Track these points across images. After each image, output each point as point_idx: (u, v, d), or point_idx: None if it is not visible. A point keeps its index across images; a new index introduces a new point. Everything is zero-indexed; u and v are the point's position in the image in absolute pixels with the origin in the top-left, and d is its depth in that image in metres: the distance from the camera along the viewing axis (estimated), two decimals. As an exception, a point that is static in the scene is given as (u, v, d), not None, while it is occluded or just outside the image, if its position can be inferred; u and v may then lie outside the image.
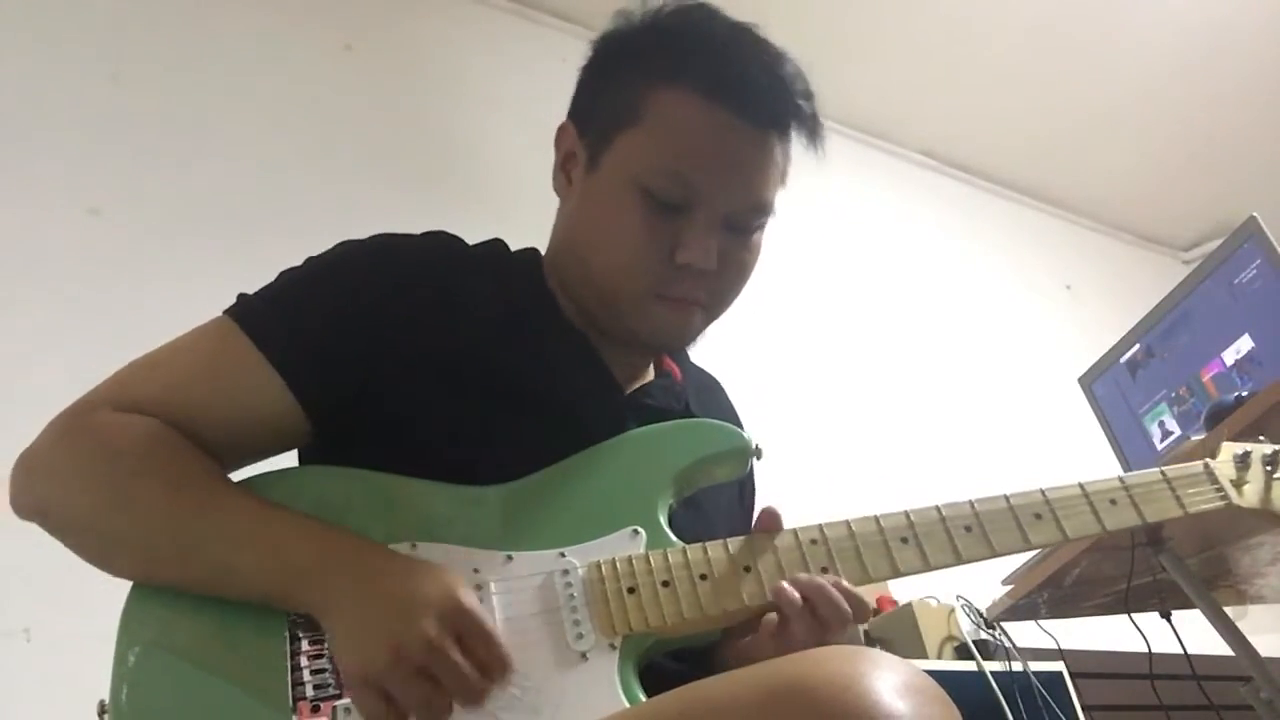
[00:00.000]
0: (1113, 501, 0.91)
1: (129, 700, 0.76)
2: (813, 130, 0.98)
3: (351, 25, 2.74)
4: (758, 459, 0.95)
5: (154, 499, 0.83)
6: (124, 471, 0.83)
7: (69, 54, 2.27)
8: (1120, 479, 0.93)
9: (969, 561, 0.87)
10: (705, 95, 0.92)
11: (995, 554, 0.87)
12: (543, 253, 1.06)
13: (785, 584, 0.82)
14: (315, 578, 0.79)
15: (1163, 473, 0.95)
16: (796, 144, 0.98)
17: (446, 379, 0.91)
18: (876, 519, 0.87)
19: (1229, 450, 0.98)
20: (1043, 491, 0.91)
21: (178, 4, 2.49)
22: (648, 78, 0.94)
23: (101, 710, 0.77)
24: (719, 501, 1.03)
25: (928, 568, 0.86)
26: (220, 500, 0.83)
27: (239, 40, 2.53)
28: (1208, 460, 0.97)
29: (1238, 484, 0.96)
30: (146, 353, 0.92)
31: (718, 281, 0.96)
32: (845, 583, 0.82)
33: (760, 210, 0.96)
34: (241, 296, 0.93)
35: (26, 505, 0.86)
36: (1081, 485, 0.92)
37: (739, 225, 0.96)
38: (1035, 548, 0.89)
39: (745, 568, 0.84)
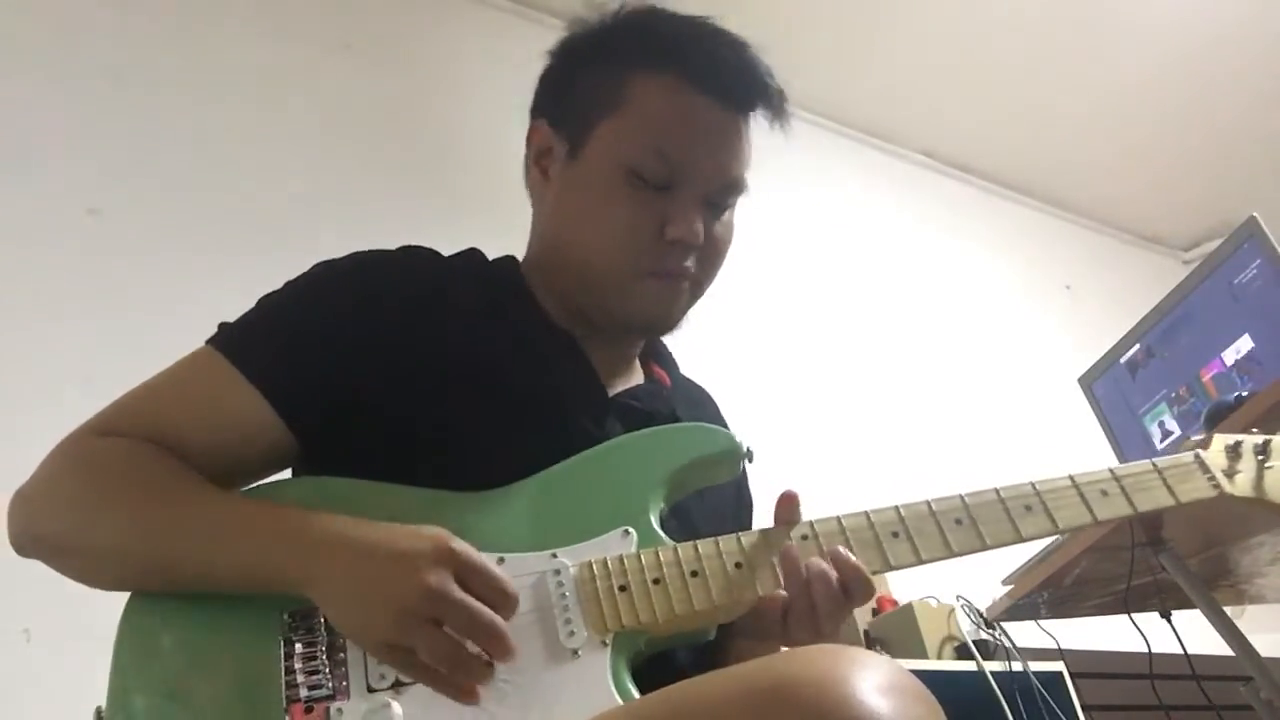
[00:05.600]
0: (1104, 492, 0.91)
1: (125, 707, 0.76)
2: (778, 108, 1.02)
3: (351, 25, 2.74)
4: (749, 462, 0.95)
5: (130, 505, 0.84)
6: (104, 486, 0.85)
7: (69, 54, 2.27)
8: (1111, 470, 0.93)
9: (961, 554, 0.87)
10: (684, 80, 0.97)
11: (986, 546, 0.88)
12: (519, 260, 1.07)
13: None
14: (299, 556, 0.79)
15: (1154, 464, 0.94)
16: (762, 122, 1.03)
17: (431, 387, 0.91)
18: (867, 514, 0.88)
19: (1220, 441, 0.98)
20: (1033, 484, 0.91)
21: (177, 4, 2.50)
22: (627, 66, 0.99)
23: (98, 717, 0.77)
24: (723, 501, 1.04)
25: (919, 561, 0.86)
26: (193, 497, 0.84)
27: (239, 40, 2.54)
28: (1199, 451, 0.97)
29: (1229, 473, 0.96)
30: (131, 388, 0.93)
31: (703, 255, 0.99)
32: (843, 551, 0.83)
33: (735, 188, 1.01)
34: (222, 325, 0.95)
35: (23, 539, 0.87)
36: (1072, 477, 0.92)
37: (716, 203, 1.00)
38: (1027, 539, 0.89)
39: (736, 564, 0.84)
